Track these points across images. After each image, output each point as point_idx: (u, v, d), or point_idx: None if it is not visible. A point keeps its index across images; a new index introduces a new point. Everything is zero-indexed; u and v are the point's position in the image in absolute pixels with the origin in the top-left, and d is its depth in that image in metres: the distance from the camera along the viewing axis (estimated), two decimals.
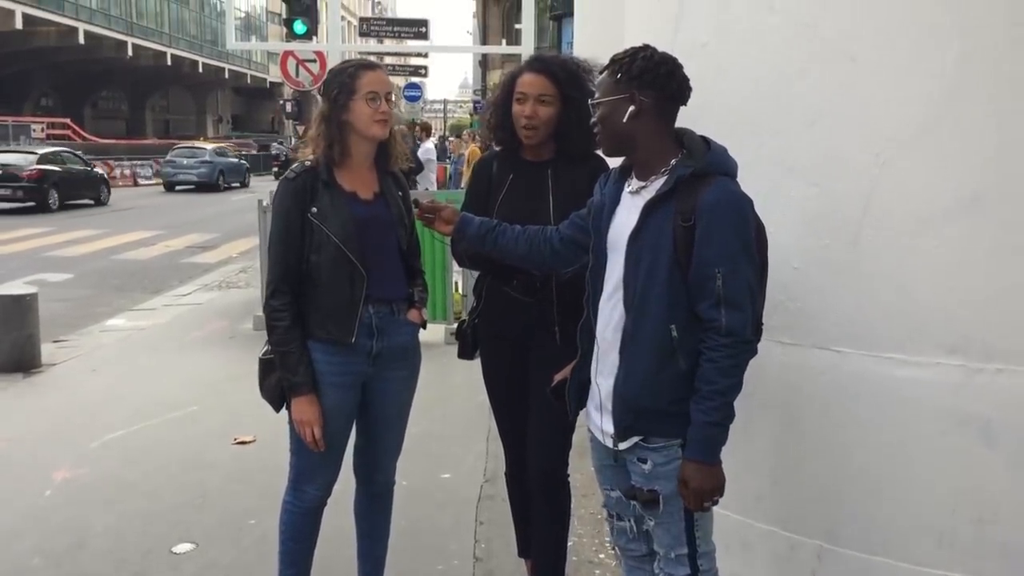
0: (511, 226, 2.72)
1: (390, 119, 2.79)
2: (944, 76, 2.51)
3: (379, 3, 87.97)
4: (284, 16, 14.27)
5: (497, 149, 3.10)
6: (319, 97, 2.90)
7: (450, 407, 5.52)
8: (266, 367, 2.82)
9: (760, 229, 2.31)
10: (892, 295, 2.62)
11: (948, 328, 2.55)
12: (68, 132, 37.50)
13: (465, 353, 3.19)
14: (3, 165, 21.25)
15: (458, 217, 2.74)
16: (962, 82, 2.49)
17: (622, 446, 2.30)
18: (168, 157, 31.34)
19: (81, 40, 39.02)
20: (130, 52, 43.32)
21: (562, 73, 2.90)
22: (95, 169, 25.16)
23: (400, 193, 2.92)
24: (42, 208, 21.25)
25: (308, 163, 2.78)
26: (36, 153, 22.53)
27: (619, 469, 2.40)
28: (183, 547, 3.75)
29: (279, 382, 2.77)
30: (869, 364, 2.67)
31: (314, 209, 2.73)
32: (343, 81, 2.75)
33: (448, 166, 19.48)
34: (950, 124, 2.51)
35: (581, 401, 2.53)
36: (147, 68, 46.88)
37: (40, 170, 21.56)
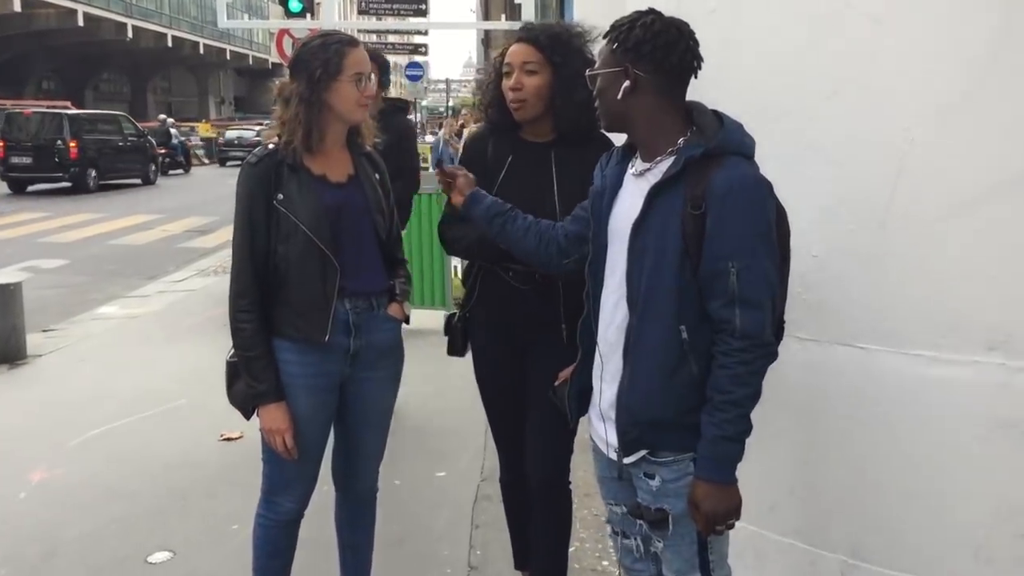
0: (523, 215, 2.45)
1: (375, 101, 2.54)
2: (984, 41, 2.24)
3: None
4: None
5: (491, 125, 2.84)
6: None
7: (447, 400, 5.27)
8: (233, 370, 2.59)
9: (781, 217, 2.03)
10: (923, 286, 2.38)
11: (986, 323, 2.30)
12: None
13: (455, 349, 2.95)
14: (238, 136, 34.42)
15: (471, 190, 2.49)
16: (1004, 47, 2.21)
17: (627, 460, 2.05)
18: None
19: (80, 22, 38.65)
20: (130, 34, 42.92)
21: (544, 38, 2.65)
22: None
23: (377, 176, 2.66)
24: None
25: (272, 145, 2.52)
26: (254, 129, 33.84)
27: (624, 484, 2.14)
28: (160, 556, 3.53)
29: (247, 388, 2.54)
30: (898, 362, 2.42)
31: (280, 195, 2.47)
32: (327, 58, 2.44)
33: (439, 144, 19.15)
34: (990, 95, 2.25)
35: (582, 407, 2.29)
36: (148, 50, 46.49)
37: (257, 140, 30.77)
